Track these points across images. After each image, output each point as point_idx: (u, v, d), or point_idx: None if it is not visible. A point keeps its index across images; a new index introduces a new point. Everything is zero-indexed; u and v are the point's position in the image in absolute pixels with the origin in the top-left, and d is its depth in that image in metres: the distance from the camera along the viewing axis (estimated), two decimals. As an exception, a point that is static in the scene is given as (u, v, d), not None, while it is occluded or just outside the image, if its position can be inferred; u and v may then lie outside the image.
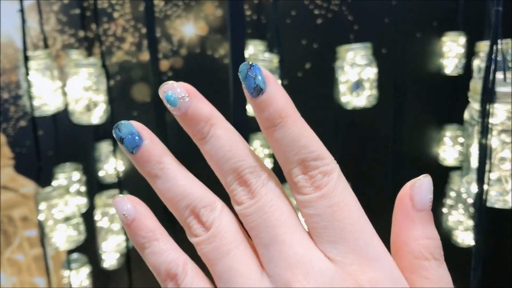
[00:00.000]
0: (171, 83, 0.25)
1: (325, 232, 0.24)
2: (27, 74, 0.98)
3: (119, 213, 0.26)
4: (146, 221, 0.26)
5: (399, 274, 0.24)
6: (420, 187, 0.25)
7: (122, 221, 0.26)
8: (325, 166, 0.24)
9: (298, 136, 0.24)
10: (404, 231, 0.25)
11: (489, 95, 0.53)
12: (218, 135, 0.25)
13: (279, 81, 1.06)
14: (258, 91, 0.24)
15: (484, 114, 0.54)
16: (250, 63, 0.24)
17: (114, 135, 0.26)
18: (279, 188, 0.25)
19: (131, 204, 0.26)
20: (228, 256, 0.24)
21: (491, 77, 0.53)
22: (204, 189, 0.26)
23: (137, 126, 0.26)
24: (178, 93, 0.25)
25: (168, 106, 0.25)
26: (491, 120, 0.55)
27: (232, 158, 0.25)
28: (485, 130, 0.54)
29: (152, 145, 0.26)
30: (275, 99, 0.24)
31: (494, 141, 0.55)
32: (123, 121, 0.26)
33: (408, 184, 0.25)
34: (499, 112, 0.55)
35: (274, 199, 0.24)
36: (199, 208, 0.25)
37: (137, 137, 0.26)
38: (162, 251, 0.26)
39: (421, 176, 0.25)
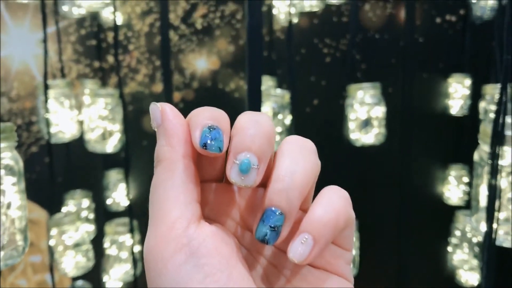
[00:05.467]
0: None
1: None
2: (46, 102, 1.01)
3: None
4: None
5: None
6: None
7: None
8: None
9: None
10: None
11: (498, 138, 0.56)
12: None
13: (290, 116, 1.09)
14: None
15: (494, 156, 0.56)
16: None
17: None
18: None
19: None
20: None
21: (500, 120, 0.56)
22: None
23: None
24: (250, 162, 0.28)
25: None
26: (500, 162, 0.57)
27: None
28: (494, 172, 0.56)
29: None
30: None
31: (503, 182, 0.57)
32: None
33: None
34: (508, 155, 0.58)
35: None
36: None
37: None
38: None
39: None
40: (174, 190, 0.27)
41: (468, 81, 1.38)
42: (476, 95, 1.31)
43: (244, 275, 0.27)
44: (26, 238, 0.51)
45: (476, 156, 0.62)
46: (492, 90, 0.98)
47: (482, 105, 1.05)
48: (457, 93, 1.40)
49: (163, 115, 0.28)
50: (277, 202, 0.27)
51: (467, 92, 1.38)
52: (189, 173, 0.28)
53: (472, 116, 1.35)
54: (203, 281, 0.25)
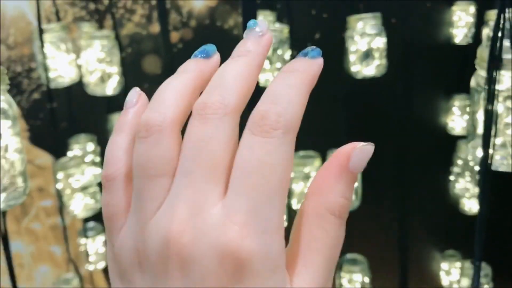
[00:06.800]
0: None
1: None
2: (42, 47, 1.00)
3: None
4: None
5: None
6: (361, 152, 0.26)
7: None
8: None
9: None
10: (328, 182, 0.25)
11: (496, 62, 0.55)
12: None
13: (289, 52, 1.08)
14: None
15: (491, 80, 0.55)
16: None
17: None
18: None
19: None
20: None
21: (498, 44, 0.55)
22: None
23: None
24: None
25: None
26: (497, 87, 0.56)
27: None
28: (491, 97, 0.56)
29: None
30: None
31: (500, 107, 0.57)
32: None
33: (351, 145, 0.26)
34: (505, 79, 0.57)
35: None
36: None
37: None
38: None
39: (367, 143, 0.26)
40: None
41: (472, 8, 1.34)
42: (480, 22, 1.27)
43: None
44: (26, 180, 0.52)
45: (473, 82, 0.62)
46: (495, 16, 0.95)
47: (485, 31, 1.02)
48: (461, 21, 1.36)
49: None
50: None
51: (471, 20, 1.35)
52: None
53: (476, 44, 1.31)
54: None
